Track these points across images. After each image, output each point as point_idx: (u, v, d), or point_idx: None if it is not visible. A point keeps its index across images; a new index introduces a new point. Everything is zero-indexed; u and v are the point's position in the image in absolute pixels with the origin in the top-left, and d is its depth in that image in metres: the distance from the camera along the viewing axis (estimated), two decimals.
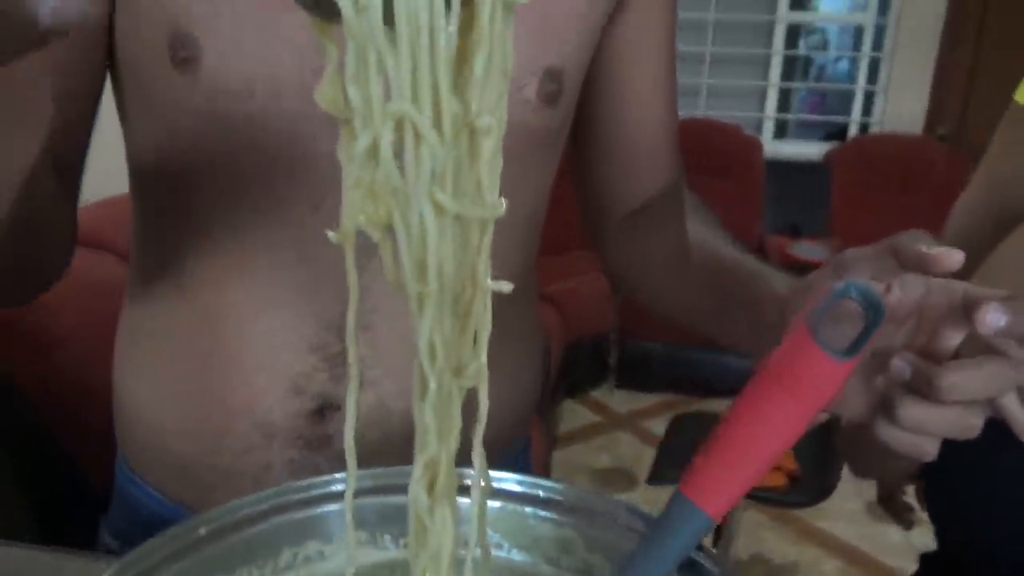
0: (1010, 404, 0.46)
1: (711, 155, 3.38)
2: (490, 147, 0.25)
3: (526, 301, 0.69)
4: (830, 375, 0.37)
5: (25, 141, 0.44)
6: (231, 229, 0.56)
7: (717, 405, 3.11)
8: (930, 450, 0.40)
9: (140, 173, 0.61)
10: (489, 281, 0.29)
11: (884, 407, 0.39)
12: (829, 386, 0.38)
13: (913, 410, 0.39)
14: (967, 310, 0.38)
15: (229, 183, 0.55)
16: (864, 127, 3.73)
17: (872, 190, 3.38)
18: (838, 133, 3.83)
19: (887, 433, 0.40)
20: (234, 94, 0.51)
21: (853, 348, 0.37)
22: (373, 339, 0.57)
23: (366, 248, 0.55)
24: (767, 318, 0.48)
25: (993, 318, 0.36)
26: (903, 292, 0.38)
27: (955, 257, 0.38)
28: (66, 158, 0.55)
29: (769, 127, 3.80)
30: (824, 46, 4.65)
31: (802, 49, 4.00)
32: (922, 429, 0.39)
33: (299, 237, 0.55)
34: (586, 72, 0.62)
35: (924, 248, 0.39)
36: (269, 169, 0.54)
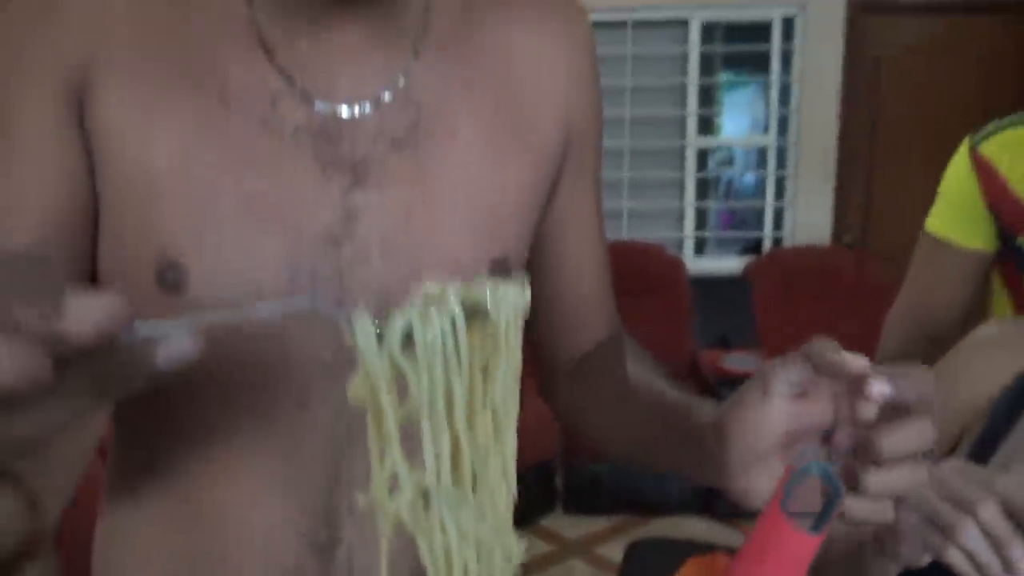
0: (954, 557, 0.53)
1: (637, 276, 3.49)
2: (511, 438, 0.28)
3: None
4: (806, 547, 0.45)
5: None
6: (216, 432, 0.57)
7: (669, 526, 3.09)
8: (890, 514, 0.46)
9: None
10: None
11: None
12: (806, 556, 0.45)
13: (873, 476, 0.44)
14: (854, 388, 0.45)
15: (214, 390, 0.56)
16: (777, 240, 3.94)
17: (792, 298, 3.54)
18: (754, 247, 4.02)
19: (853, 507, 0.45)
20: (210, 302, 0.53)
21: (820, 522, 0.45)
22: (361, 524, 0.57)
23: (349, 432, 0.57)
24: (707, 444, 0.53)
25: (878, 390, 0.43)
26: (816, 392, 0.47)
27: (859, 363, 0.44)
28: None
29: (689, 245, 3.97)
30: (730, 162, 4.95)
31: (711, 167, 4.25)
32: (882, 491, 0.45)
33: (286, 434, 0.56)
34: (525, 254, 0.66)
35: (834, 356, 0.45)
36: (254, 375, 0.55)
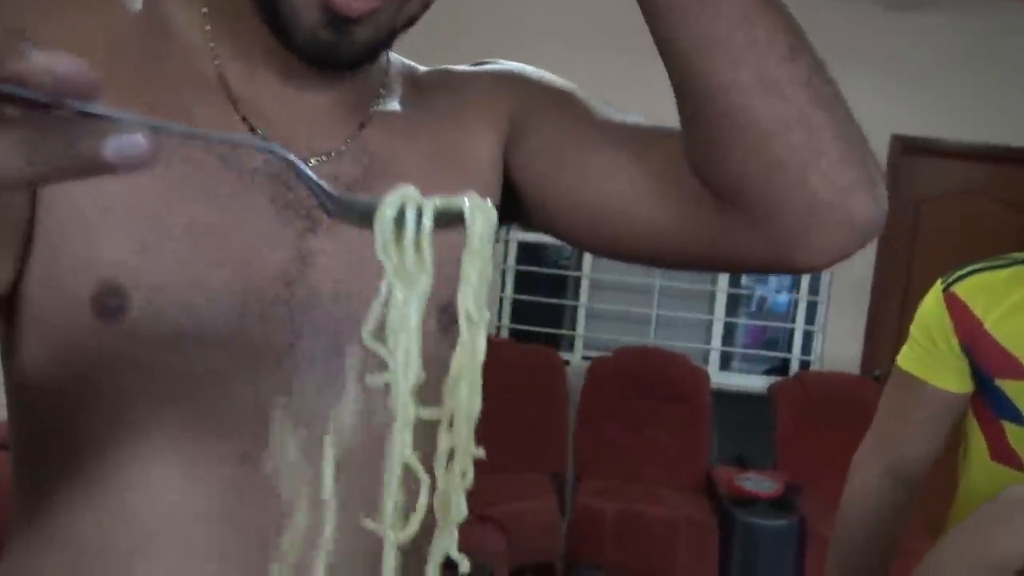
0: None
1: (660, 383, 3.47)
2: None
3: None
4: None
5: None
6: (139, 488, 0.52)
7: None
8: None
9: (30, 420, 0.56)
10: None
11: None
12: None
13: None
14: None
15: (147, 438, 0.52)
16: (805, 364, 3.90)
17: (815, 425, 3.47)
18: (780, 367, 3.99)
19: None
20: (159, 343, 0.51)
21: None
22: None
23: (291, 507, 0.51)
24: None
25: None
26: None
27: None
28: None
29: (715, 358, 3.95)
30: (765, 280, 4.96)
31: (744, 282, 4.27)
32: None
33: (220, 492, 0.52)
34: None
35: None
36: (190, 422, 0.52)
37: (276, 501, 0.52)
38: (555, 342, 3.89)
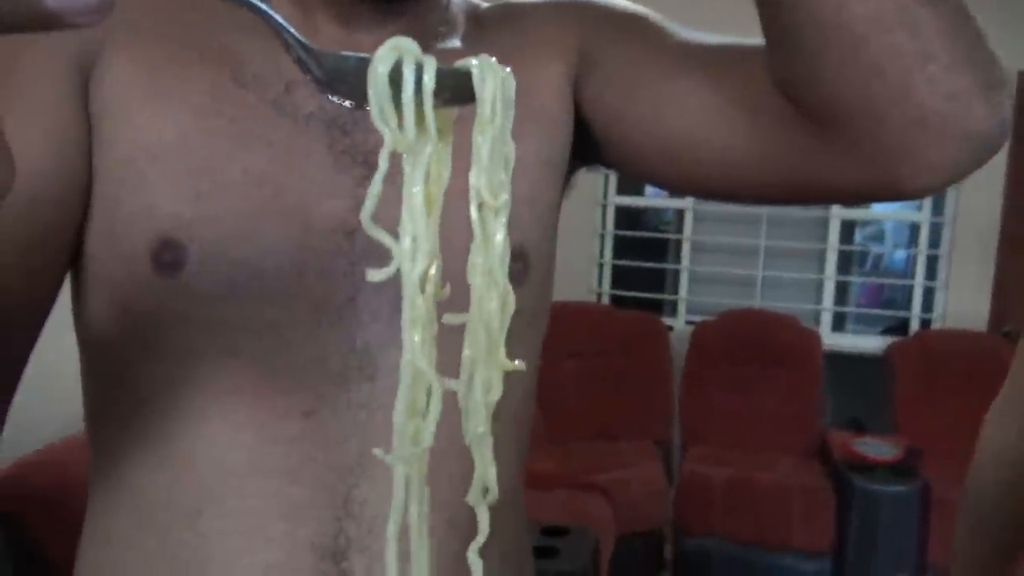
0: None
1: (767, 346, 3.35)
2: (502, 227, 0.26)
3: (514, 503, 0.61)
4: None
5: None
6: (206, 446, 0.51)
7: None
8: None
9: (97, 377, 0.56)
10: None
11: None
12: None
13: None
14: None
15: (210, 395, 0.51)
16: (925, 322, 3.68)
17: (937, 387, 3.28)
18: (899, 327, 3.78)
19: None
20: (217, 297, 0.50)
21: None
22: (371, 564, 0.52)
23: (360, 453, 0.51)
24: None
25: None
26: None
27: None
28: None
29: (827, 319, 3.78)
30: (880, 237, 4.71)
31: (858, 240, 4.06)
32: None
33: (286, 448, 0.51)
34: (550, 248, 0.60)
35: None
36: (253, 377, 0.51)
37: (344, 457, 0.51)
38: (658, 307, 3.82)
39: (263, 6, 0.28)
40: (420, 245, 0.28)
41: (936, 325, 3.63)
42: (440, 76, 0.27)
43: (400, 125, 0.27)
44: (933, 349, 3.40)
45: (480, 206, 0.29)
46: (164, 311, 0.50)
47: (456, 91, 0.28)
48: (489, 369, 0.30)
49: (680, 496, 3.06)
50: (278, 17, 0.29)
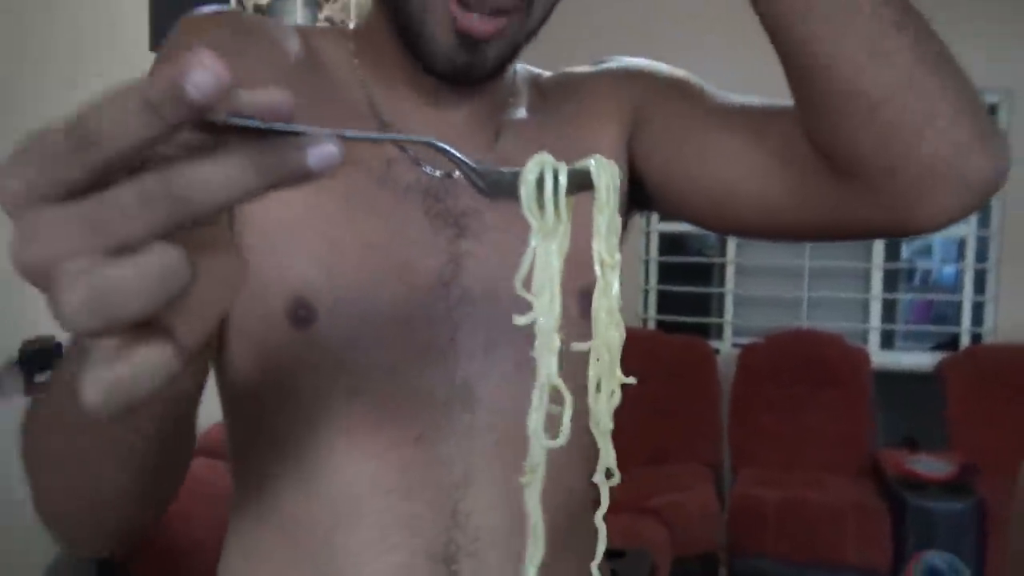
0: None
1: (815, 365, 3.37)
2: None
3: (584, 514, 0.66)
4: None
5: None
6: (335, 472, 0.59)
7: None
8: None
9: (239, 417, 0.64)
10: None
11: None
12: None
13: None
14: None
15: (337, 429, 0.59)
16: (976, 337, 3.66)
17: (990, 401, 3.26)
18: (949, 343, 3.76)
19: None
20: (342, 346, 0.58)
21: None
22: (478, 567, 0.59)
23: (467, 470, 0.60)
24: None
25: None
26: None
27: None
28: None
29: (875, 337, 3.78)
30: (929, 251, 4.68)
31: (905, 254, 4.05)
32: None
33: (401, 470, 0.59)
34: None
35: None
36: (372, 411, 0.59)
37: (449, 476, 0.59)
38: (704, 331, 3.86)
39: (441, 144, 0.38)
40: (554, 297, 0.38)
41: (987, 339, 3.61)
42: (569, 176, 0.37)
43: (541, 213, 0.38)
44: (984, 364, 3.38)
45: (601, 264, 0.38)
46: (298, 360, 0.59)
47: (578, 182, 0.38)
48: (611, 383, 0.39)
49: (733, 518, 3.09)
50: (453, 150, 0.39)
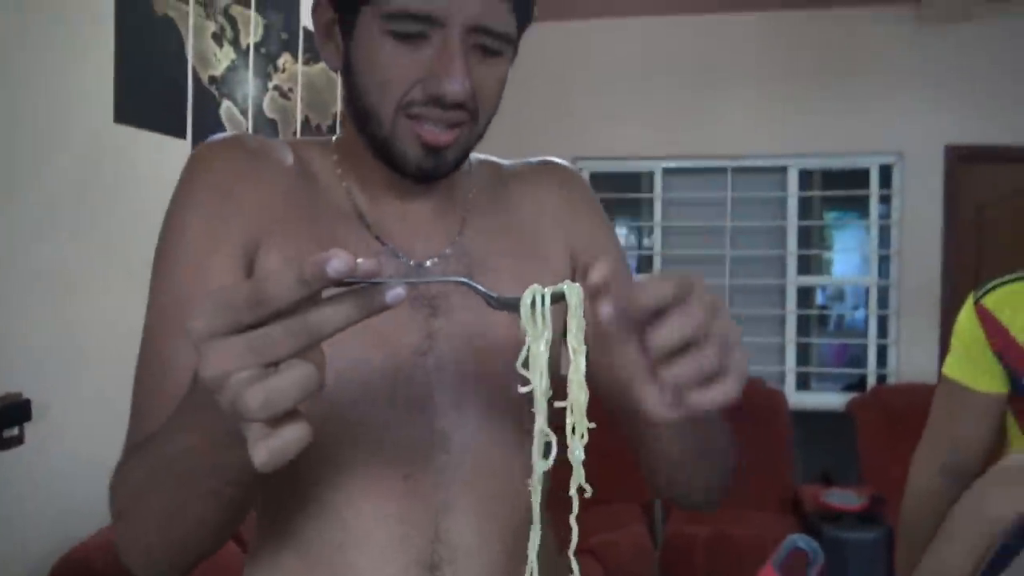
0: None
1: (737, 407, 3.57)
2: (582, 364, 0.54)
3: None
4: None
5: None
6: (344, 504, 0.72)
7: None
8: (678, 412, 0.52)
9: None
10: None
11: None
12: None
13: (661, 370, 0.49)
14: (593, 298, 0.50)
15: (343, 470, 0.72)
16: (881, 378, 3.96)
17: (896, 437, 3.51)
18: (858, 384, 4.05)
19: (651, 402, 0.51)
20: (344, 404, 0.70)
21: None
22: (456, 572, 0.73)
23: (447, 497, 0.75)
24: None
25: (605, 311, 0.48)
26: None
27: (596, 275, 0.49)
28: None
29: (791, 380, 4.04)
30: (841, 297, 5.00)
31: (821, 300, 4.34)
32: (663, 349, 0.48)
33: (396, 501, 0.72)
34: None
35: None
36: (371, 456, 0.72)
37: (433, 504, 0.73)
38: None
39: (470, 282, 0.55)
40: (544, 377, 0.54)
41: (891, 380, 3.91)
42: (552, 296, 0.54)
43: (533, 322, 0.54)
44: (889, 403, 3.66)
45: (572, 350, 0.54)
46: (311, 417, 0.73)
47: (556, 298, 0.54)
48: (582, 427, 0.55)
49: (665, 555, 3.24)
50: (478, 286, 0.55)
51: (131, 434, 0.70)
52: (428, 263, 0.77)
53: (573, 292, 0.53)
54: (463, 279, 0.55)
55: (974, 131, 3.78)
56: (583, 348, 0.54)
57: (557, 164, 0.91)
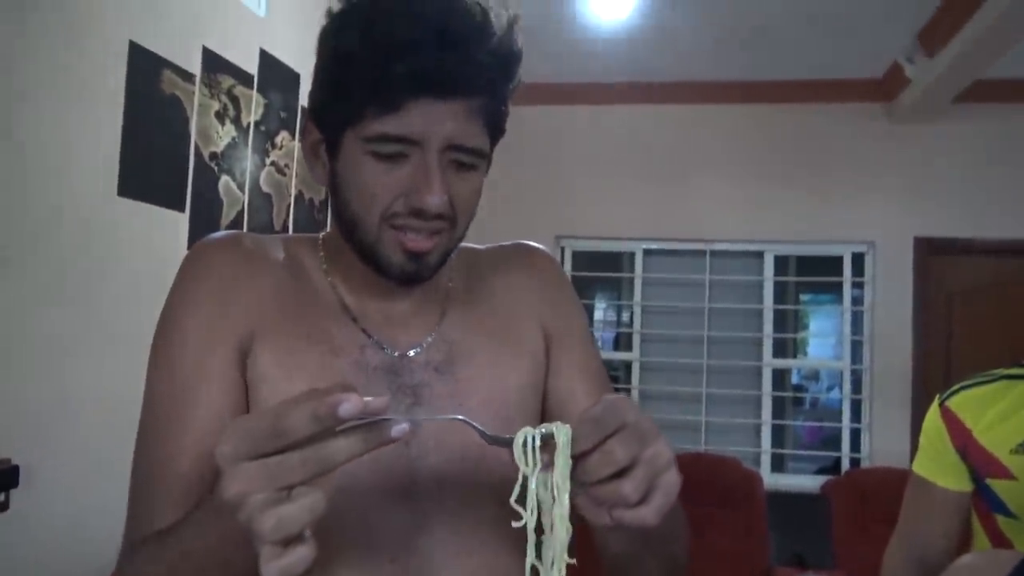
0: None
1: (713, 488, 3.60)
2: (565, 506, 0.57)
3: None
4: None
5: None
6: None
7: None
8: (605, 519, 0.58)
9: None
10: None
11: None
12: None
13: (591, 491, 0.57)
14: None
15: (341, 557, 0.74)
16: (855, 461, 4.00)
17: (869, 521, 3.54)
18: (833, 466, 4.09)
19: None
20: (345, 513, 0.72)
21: None
22: None
23: (425, 565, 0.78)
24: None
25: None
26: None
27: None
28: None
29: (767, 461, 4.08)
30: (816, 378, 5.08)
31: (796, 380, 4.40)
32: (593, 478, 0.56)
33: None
34: None
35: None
36: (360, 543, 0.74)
37: None
38: None
39: (467, 420, 0.60)
40: (534, 510, 0.58)
41: (865, 464, 3.95)
42: (543, 436, 0.58)
43: (526, 460, 0.58)
44: (863, 486, 3.68)
45: (556, 488, 0.57)
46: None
47: (546, 437, 0.58)
48: (561, 562, 0.59)
49: None
50: (475, 424, 0.60)
51: (131, 520, 0.74)
52: (411, 352, 0.82)
53: (561, 432, 0.57)
54: (459, 417, 0.61)
55: (942, 224, 3.92)
56: (567, 485, 0.57)
57: (529, 248, 0.96)
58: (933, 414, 1.36)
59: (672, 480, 0.57)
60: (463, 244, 0.95)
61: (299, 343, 0.79)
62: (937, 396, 1.38)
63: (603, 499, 0.56)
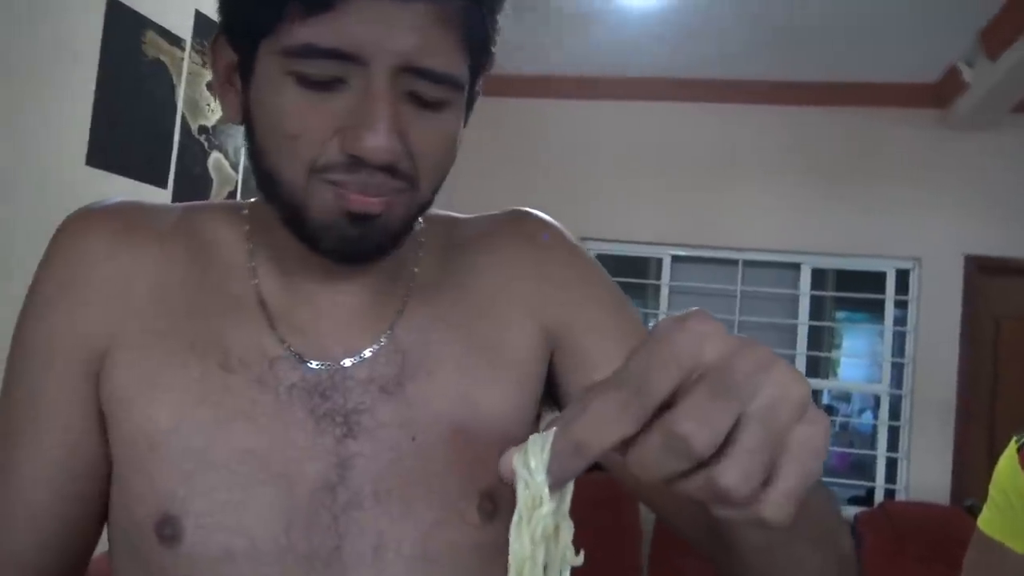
0: None
1: None
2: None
3: None
4: None
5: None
6: None
7: None
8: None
9: None
10: None
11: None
12: None
13: None
14: None
15: None
16: (890, 492, 3.74)
17: (902, 557, 3.29)
18: (865, 497, 3.83)
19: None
20: (214, 561, 0.54)
21: None
22: None
23: None
24: None
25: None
26: None
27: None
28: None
29: None
30: (848, 399, 4.82)
31: (825, 399, 4.15)
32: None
33: None
34: None
35: None
36: None
37: None
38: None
39: None
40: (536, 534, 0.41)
41: (900, 496, 3.68)
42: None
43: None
44: (897, 520, 3.43)
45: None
46: (170, 572, 0.56)
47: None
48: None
49: None
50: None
51: None
52: (348, 363, 0.60)
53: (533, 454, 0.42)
54: None
55: (995, 242, 3.65)
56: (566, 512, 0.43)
57: (522, 216, 0.71)
58: (1008, 460, 1.12)
59: (810, 436, 0.33)
60: (438, 213, 0.70)
61: (176, 354, 0.58)
62: (1014, 439, 1.13)
63: (694, 495, 0.34)
